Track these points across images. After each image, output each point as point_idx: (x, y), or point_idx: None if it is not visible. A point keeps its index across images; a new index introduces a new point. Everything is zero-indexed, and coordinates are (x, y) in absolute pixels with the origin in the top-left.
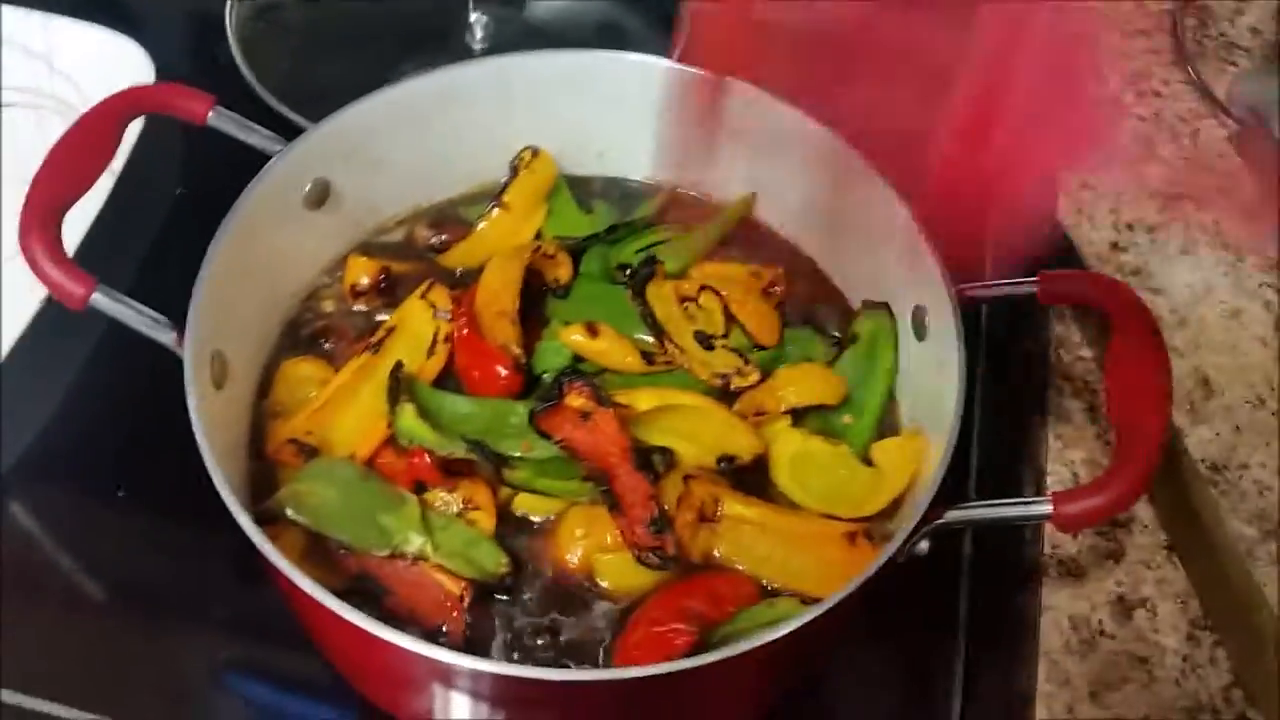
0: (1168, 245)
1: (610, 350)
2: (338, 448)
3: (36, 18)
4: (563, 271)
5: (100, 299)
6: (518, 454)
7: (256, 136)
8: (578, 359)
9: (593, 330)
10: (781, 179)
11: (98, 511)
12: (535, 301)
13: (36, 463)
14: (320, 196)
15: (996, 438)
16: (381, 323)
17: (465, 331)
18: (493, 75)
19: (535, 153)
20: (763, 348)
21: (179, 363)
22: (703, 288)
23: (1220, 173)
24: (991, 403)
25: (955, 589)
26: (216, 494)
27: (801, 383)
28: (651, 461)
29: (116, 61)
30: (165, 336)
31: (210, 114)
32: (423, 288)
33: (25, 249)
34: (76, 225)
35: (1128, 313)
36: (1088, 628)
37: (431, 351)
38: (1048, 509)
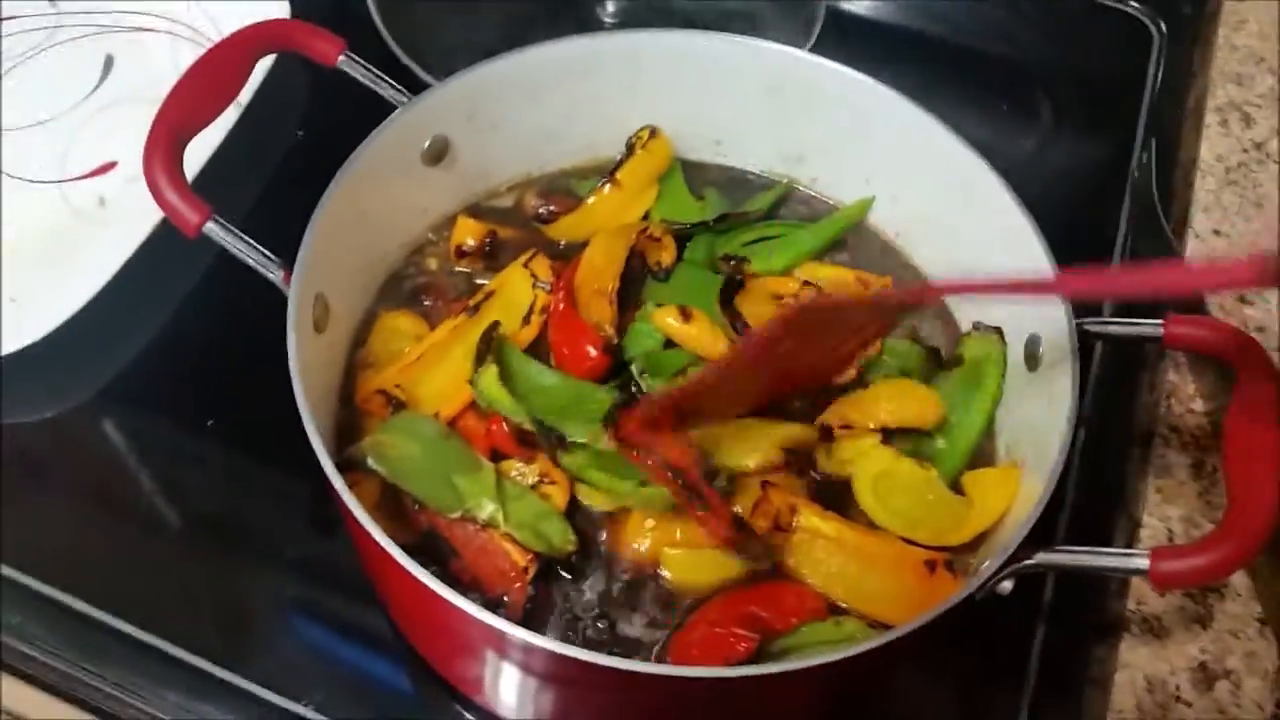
0: None
1: (701, 337)
2: (424, 404)
3: None
4: (666, 255)
5: (214, 228)
6: (583, 440)
7: (384, 86)
8: (669, 343)
9: (686, 315)
10: (902, 185)
11: (185, 440)
12: (635, 283)
13: (132, 385)
14: (438, 153)
15: (1094, 481)
16: (481, 286)
17: (562, 307)
18: (622, 51)
19: (653, 133)
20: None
21: (282, 302)
22: (805, 283)
23: None
24: (1094, 445)
25: (1030, 632)
26: (302, 436)
27: (897, 401)
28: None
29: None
30: (274, 274)
31: (340, 58)
32: (526, 256)
33: (147, 172)
34: (198, 154)
35: (1255, 368)
36: (1164, 691)
37: (527, 320)
38: (1145, 564)
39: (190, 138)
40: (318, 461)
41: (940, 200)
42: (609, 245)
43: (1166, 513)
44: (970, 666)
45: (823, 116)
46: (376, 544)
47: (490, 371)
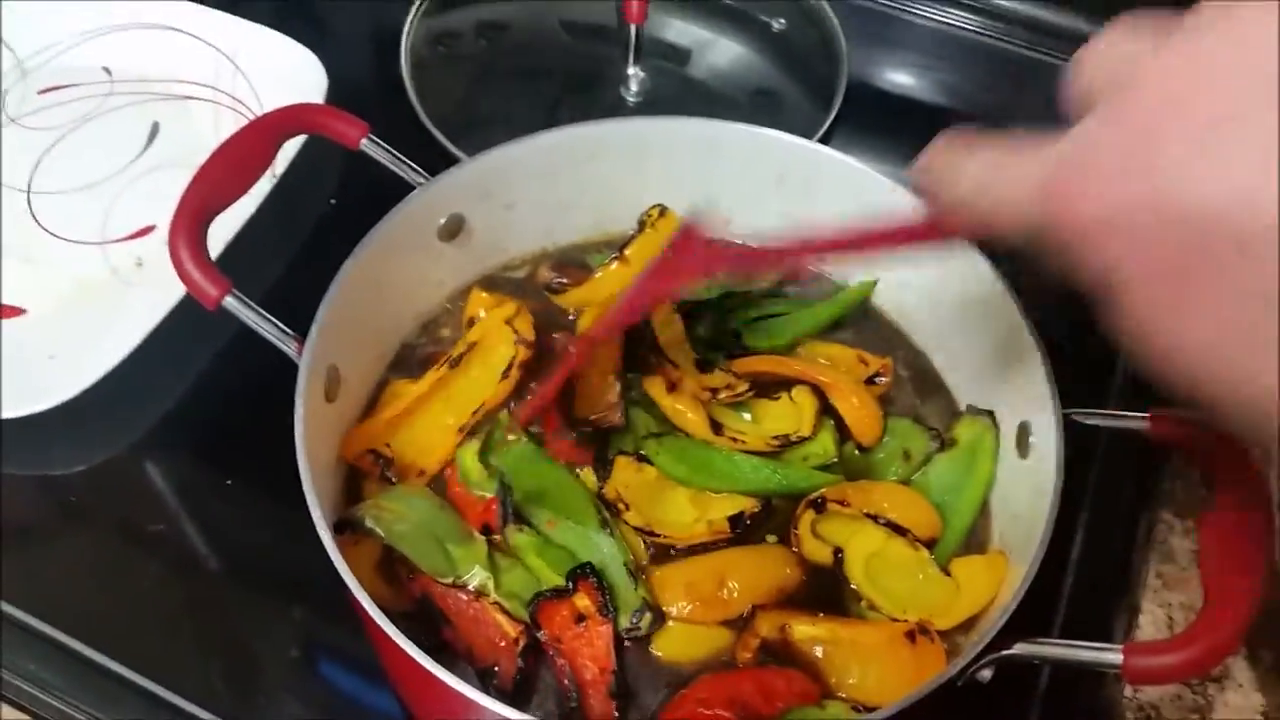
0: None
1: (684, 411)
2: (409, 457)
3: (228, 20)
4: (672, 331)
5: (232, 303)
6: (539, 522)
7: (404, 168)
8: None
9: (673, 385)
10: (905, 270)
11: (206, 497)
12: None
13: (159, 441)
14: (454, 230)
15: (1094, 569)
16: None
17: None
18: (628, 135)
19: (663, 212)
20: (861, 448)
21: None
22: (798, 382)
23: None
24: (1095, 532)
25: (1024, 718)
26: None
27: (901, 507)
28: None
29: (294, 70)
30: (288, 346)
31: (364, 141)
32: (509, 312)
33: (172, 249)
34: (233, 222)
35: (1233, 468)
36: None
37: (506, 374)
38: (1118, 659)
39: (216, 214)
40: None
41: (939, 285)
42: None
43: (1168, 599)
44: None
45: (827, 202)
46: (363, 607)
47: (472, 448)
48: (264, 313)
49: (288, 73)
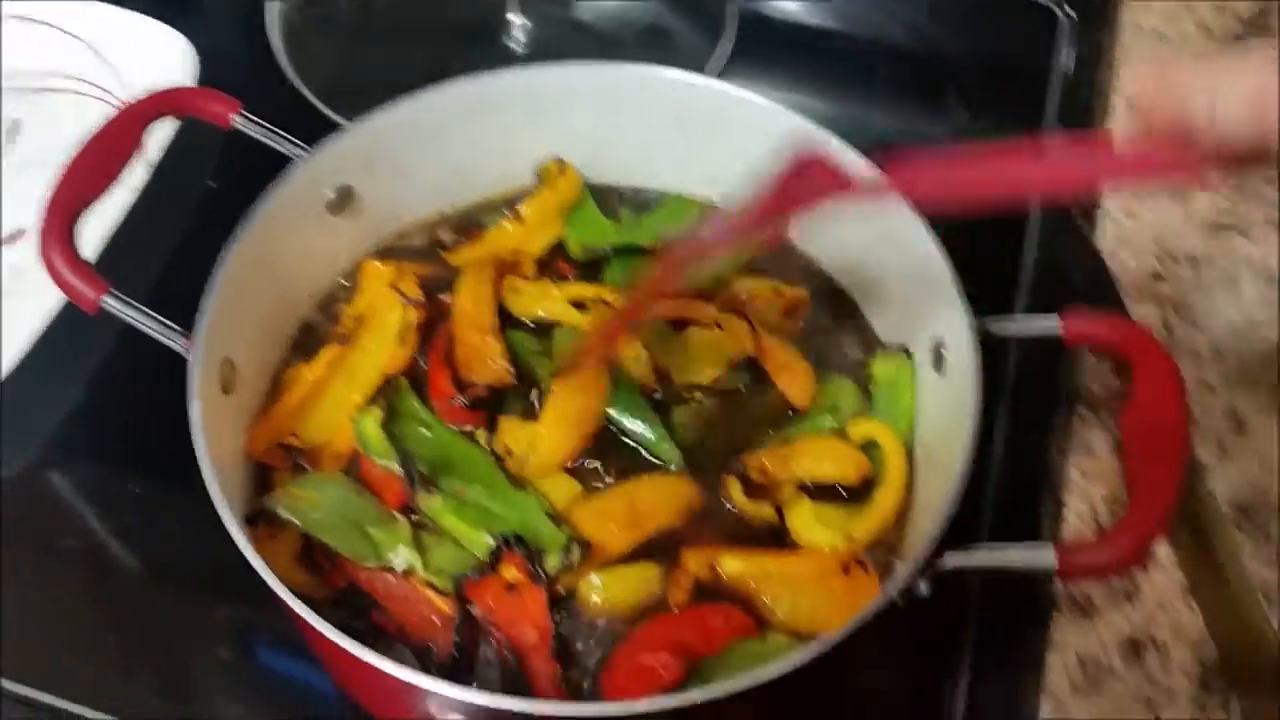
0: (1211, 277)
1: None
2: (319, 441)
3: (85, 5)
4: (531, 303)
5: (111, 303)
6: (448, 490)
7: (281, 142)
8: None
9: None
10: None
11: (113, 506)
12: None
13: (56, 457)
14: (342, 202)
15: (1016, 471)
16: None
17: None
18: (516, 86)
19: (562, 168)
20: (794, 410)
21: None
22: (732, 310)
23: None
24: (1014, 435)
25: (964, 619)
26: None
27: (820, 458)
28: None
29: (160, 51)
30: (176, 343)
31: (235, 118)
32: (390, 275)
33: (43, 252)
34: (109, 216)
35: (1150, 361)
36: (1096, 667)
37: (403, 339)
38: (1051, 561)
39: (84, 210)
40: None
41: (850, 218)
42: (476, 289)
43: (1091, 492)
44: (904, 658)
45: (730, 140)
46: (284, 602)
47: (372, 415)
48: (146, 310)
49: (154, 55)
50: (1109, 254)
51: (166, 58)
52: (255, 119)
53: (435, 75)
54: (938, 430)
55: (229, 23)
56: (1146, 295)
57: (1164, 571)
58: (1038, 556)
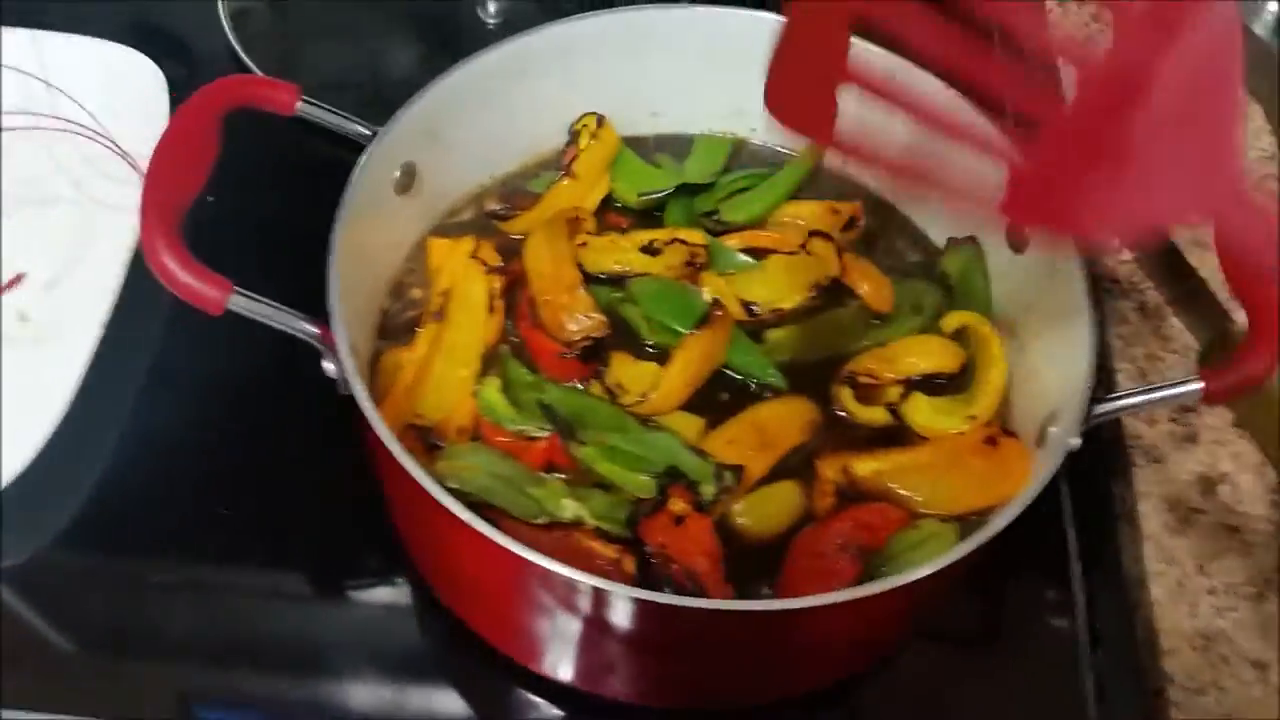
0: None
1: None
2: (439, 419)
3: (21, 35)
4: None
5: (239, 300)
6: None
7: (350, 124)
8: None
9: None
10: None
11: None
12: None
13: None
14: (406, 181)
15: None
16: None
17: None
18: (557, 39)
19: (600, 121)
20: (879, 316)
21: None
22: (813, 233)
23: None
24: None
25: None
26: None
27: (921, 354)
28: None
29: (115, 69)
30: (309, 332)
31: (299, 104)
32: (470, 247)
33: (152, 257)
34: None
35: None
36: (1182, 506)
37: (491, 308)
38: (1199, 386)
39: (183, 210)
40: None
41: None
42: (551, 249)
43: (1133, 354)
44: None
45: (753, 67)
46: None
47: (492, 384)
48: (276, 305)
49: (111, 74)
50: None
51: (126, 73)
52: (318, 103)
53: (406, 59)
54: (1029, 304)
55: (184, 21)
56: None
57: (1214, 413)
58: (1186, 387)
